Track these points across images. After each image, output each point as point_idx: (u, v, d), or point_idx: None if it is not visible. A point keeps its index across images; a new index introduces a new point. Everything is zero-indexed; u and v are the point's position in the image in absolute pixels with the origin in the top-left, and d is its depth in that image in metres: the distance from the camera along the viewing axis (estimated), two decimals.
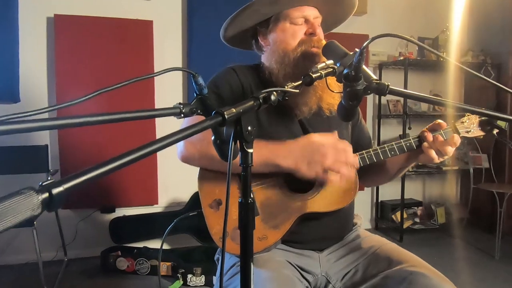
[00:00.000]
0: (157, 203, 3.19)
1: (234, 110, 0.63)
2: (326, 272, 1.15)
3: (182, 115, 0.72)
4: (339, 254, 1.19)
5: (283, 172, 1.05)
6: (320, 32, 1.19)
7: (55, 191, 0.38)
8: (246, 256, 0.69)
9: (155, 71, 3.09)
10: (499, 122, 1.18)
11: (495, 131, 1.16)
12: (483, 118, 1.20)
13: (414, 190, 3.94)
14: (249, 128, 0.66)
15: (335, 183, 1.01)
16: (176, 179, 3.15)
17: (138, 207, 3.13)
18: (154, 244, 3.06)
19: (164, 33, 3.16)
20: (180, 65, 3.23)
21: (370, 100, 3.80)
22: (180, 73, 3.23)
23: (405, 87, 3.32)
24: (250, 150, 0.67)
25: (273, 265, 1.03)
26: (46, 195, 0.38)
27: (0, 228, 0.33)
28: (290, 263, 1.11)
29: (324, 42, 1.17)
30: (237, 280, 1.04)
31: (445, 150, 1.07)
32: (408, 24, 3.73)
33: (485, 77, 0.80)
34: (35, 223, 2.29)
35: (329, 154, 0.99)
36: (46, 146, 2.70)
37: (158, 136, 3.21)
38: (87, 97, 0.66)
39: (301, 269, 1.13)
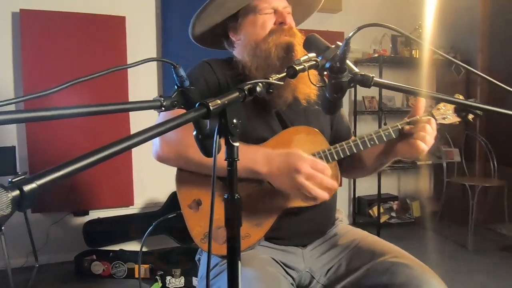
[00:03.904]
0: (132, 204, 3.10)
1: (219, 102, 0.60)
2: (310, 268, 1.14)
3: (163, 108, 0.68)
4: (322, 249, 1.18)
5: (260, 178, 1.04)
6: (291, 21, 1.18)
7: (27, 188, 0.34)
8: (233, 255, 0.66)
9: (129, 69, 3.01)
10: None
11: (470, 116, 1.17)
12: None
13: (390, 185, 4.01)
14: (235, 120, 0.64)
15: (304, 202, 1.01)
16: (152, 179, 3.07)
17: (113, 209, 3.04)
18: (131, 246, 2.97)
19: (138, 30, 3.07)
20: (155, 62, 3.15)
21: (346, 96, 3.83)
22: (155, 68, 3.15)
23: None
24: (236, 144, 0.65)
25: (258, 263, 1.01)
26: (16, 192, 0.34)
27: None
28: (274, 260, 1.09)
29: (295, 31, 1.16)
30: (221, 280, 1.02)
31: (423, 136, 1.05)
32: (382, 21, 3.75)
33: (476, 71, 0.81)
34: (3, 228, 2.18)
35: (304, 170, 0.97)
36: (14, 147, 2.58)
37: None
38: (57, 88, 0.61)
39: (285, 265, 1.11)
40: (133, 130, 2.99)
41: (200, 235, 1.07)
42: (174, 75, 0.71)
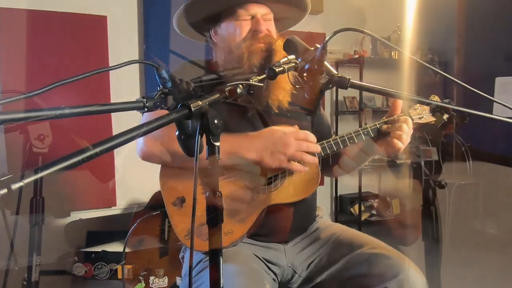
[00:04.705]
0: (115, 205, 3.08)
1: (200, 103, 0.62)
2: (292, 263, 1.17)
3: (146, 109, 0.70)
4: (303, 244, 1.21)
5: (247, 164, 1.06)
6: (271, 29, 1.19)
7: (14, 186, 0.36)
8: (215, 250, 0.68)
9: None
10: None
11: (445, 116, 1.23)
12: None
13: (371, 183, 4.08)
14: (216, 121, 0.66)
15: (300, 171, 1.04)
16: (135, 179, 3.04)
17: (95, 210, 3.01)
18: (113, 247, 2.94)
19: (119, 29, 3.04)
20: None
21: (328, 97, 3.90)
22: (137, 70, 3.13)
23: None
24: (217, 144, 0.67)
25: (241, 259, 1.04)
26: (4, 191, 0.35)
27: None
28: (256, 256, 1.11)
29: (273, 37, 1.17)
30: (204, 276, 1.04)
31: (399, 135, 1.09)
32: (363, 23, 3.85)
33: (443, 73, 0.85)
34: None
35: (291, 143, 1.02)
36: None
37: None
38: (39, 91, 0.62)
39: (268, 261, 1.14)
40: (115, 132, 2.96)
41: (184, 231, 1.09)
42: (157, 77, 0.73)
